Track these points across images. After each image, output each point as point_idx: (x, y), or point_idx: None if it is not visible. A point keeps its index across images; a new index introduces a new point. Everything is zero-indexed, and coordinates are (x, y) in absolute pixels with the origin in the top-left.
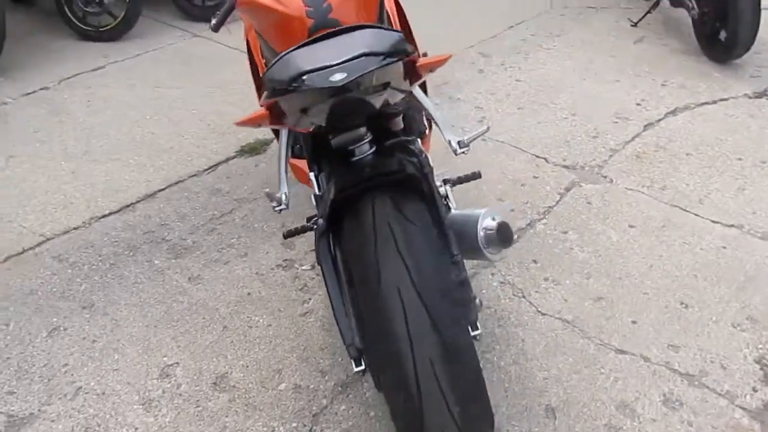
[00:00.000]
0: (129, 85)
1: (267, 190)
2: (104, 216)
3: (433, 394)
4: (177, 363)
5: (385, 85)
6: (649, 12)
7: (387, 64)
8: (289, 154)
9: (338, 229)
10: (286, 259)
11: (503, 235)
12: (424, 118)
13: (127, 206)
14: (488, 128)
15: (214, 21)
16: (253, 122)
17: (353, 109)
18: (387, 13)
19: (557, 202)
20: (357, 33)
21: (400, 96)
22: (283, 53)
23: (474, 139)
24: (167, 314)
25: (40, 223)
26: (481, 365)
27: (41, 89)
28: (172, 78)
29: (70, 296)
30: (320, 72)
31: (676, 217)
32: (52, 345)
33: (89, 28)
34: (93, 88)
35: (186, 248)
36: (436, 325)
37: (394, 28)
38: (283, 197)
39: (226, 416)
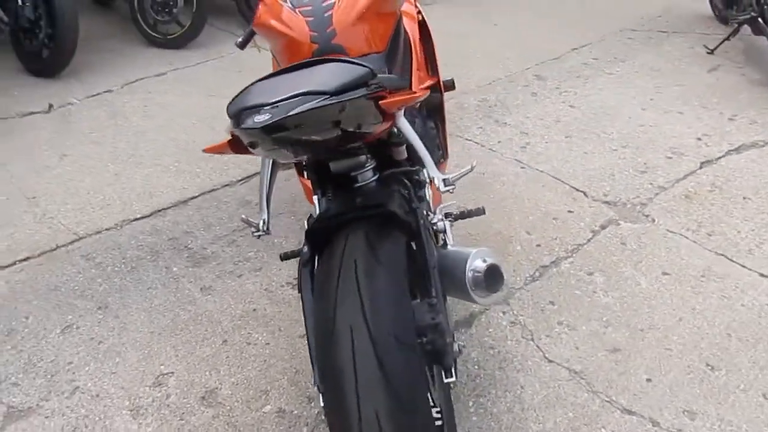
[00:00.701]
0: (185, 93)
1: (244, 216)
2: (136, 219)
3: None
4: (172, 373)
5: (336, 123)
6: (727, 39)
7: (331, 104)
8: (271, 179)
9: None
10: (296, 278)
11: (491, 279)
12: (439, 145)
13: (159, 211)
14: (472, 168)
15: (240, 39)
16: (219, 150)
17: (303, 147)
18: (408, 39)
19: (588, 240)
20: (319, 67)
21: (378, 128)
22: (252, 83)
23: (459, 177)
24: (173, 323)
25: (76, 221)
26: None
27: (105, 92)
28: (226, 86)
29: (89, 296)
30: (252, 111)
31: (719, 267)
32: (63, 342)
33: (158, 36)
34: (152, 94)
35: (205, 257)
36: (386, 371)
37: (415, 54)
38: (261, 223)
39: None
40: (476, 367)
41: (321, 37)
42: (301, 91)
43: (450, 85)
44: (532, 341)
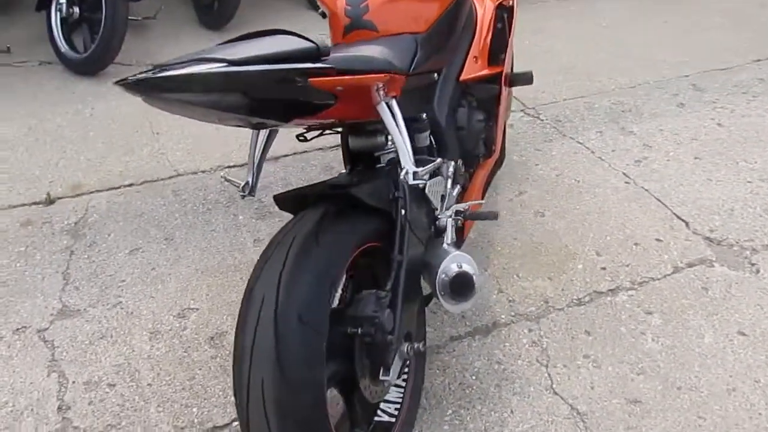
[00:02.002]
0: None
1: (223, 174)
2: (229, 167)
3: (257, 417)
4: (197, 309)
5: (237, 92)
6: None
7: (212, 72)
8: (265, 146)
9: None
10: None
11: (459, 287)
12: (484, 140)
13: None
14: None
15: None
16: None
17: (198, 109)
18: (473, 23)
19: (664, 276)
20: (263, 38)
21: (330, 107)
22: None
23: (426, 172)
24: (218, 265)
25: (180, 160)
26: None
27: None
28: None
29: (163, 226)
30: (159, 68)
31: None
32: (126, 261)
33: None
34: None
35: (270, 213)
36: (280, 344)
37: (478, 40)
38: (244, 185)
39: (200, 369)
40: (473, 377)
41: (354, 11)
42: (202, 56)
43: (522, 80)
44: (545, 367)
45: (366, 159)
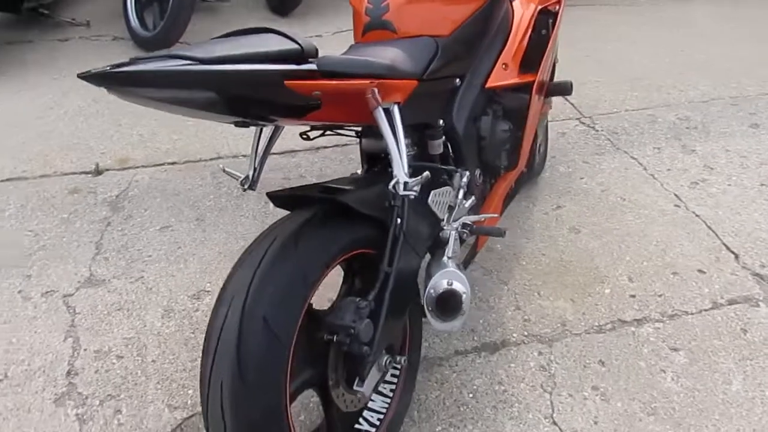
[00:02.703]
0: None
1: (221, 165)
2: (272, 154)
3: (215, 416)
4: (210, 292)
5: (208, 89)
6: None
7: (175, 70)
8: (270, 140)
9: None
10: None
11: (444, 304)
12: (507, 152)
13: (291, 152)
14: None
15: None
16: None
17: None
18: (506, 28)
19: (700, 311)
20: (247, 36)
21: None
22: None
23: (417, 184)
24: (240, 250)
25: (223, 144)
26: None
27: (315, 36)
28: None
29: (196, 207)
30: (132, 61)
31: None
32: (155, 237)
33: None
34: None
35: None
36: (242, 347)
37: (511, 45)
38: (244, 178)
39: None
40: (470, 395)
41: (374, 11)
42: (173, 53)
43: (559, 90)
44: (549, 394)
45: (380, 161)
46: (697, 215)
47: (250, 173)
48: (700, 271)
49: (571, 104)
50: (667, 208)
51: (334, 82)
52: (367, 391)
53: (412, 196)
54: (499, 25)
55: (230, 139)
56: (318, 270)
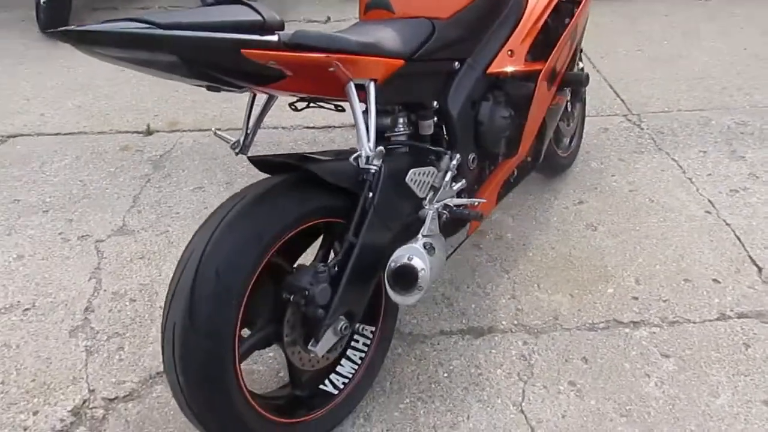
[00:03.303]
0: None
1: (214, 129)
2: (308, 127)
3: (168, 356)
4: None
5: (166, 52)
6: None
7: (130, 32)
8: (265, 106)
9: None
10: None
11: (400, 278)
12: (506, 139)
13: (329, 127)
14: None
15: None
16: None
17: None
18: (518, 13)
19: (703, 322)
20: (218, 7)
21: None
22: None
23: (376, 156)
24: None
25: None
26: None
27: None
28: None
29: (229, 171)
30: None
31: None
32: (186, 197)
33: None
34: None
35: None
36: (194, 294)
37: (519, 32)
38: (236, 142)
39: None
40: (445, 374)
41: None
42: (136, 17)
43: (573, 81)
44: (523, 383)
45: (382, 138)
46: (727, 224)
47: (242, 138)
48: (714, 280)
49: (621, 100)
50: (696, 213)
51: (290, 53)
52: (320, 351)
53: (373, 170)
54: (509, 11)
55: (273, 111)
56: (275, 231)
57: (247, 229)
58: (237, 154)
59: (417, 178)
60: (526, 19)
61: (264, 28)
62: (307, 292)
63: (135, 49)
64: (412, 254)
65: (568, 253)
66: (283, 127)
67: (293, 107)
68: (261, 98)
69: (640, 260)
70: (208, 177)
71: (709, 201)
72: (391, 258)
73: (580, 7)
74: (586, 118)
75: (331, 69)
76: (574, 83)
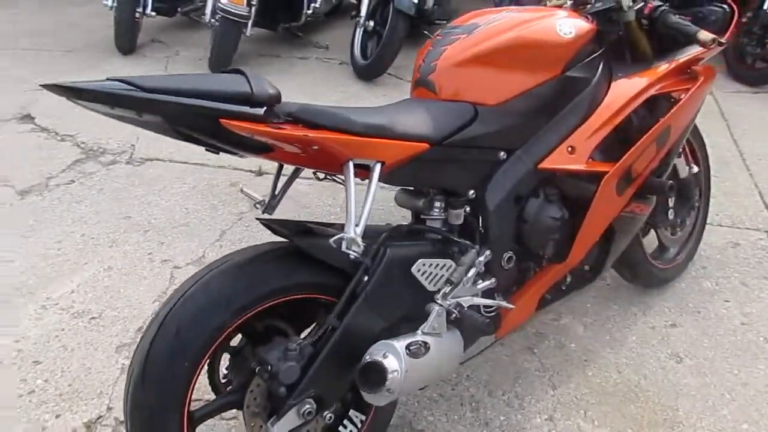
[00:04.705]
0: None
1: (242, 187)
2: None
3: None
4: None
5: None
6: None
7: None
8: (295, 172)
9: None
10: None
11: (367, 374)
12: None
13: None
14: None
15: None
16: None
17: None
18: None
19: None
20: (216, 75)
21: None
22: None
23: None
24: None
25: None
26: None
27: None
28: None
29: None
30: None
31: None
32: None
33: None
34: None
35: None
36: (150, 351)
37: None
38: (261, 202)
39: None
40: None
41: (424, 68)
42: (124, 78)
43: (652, 188)
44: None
45: (417, 219)
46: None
47: (267, 198)
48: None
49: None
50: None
51: (268, 128)
52: (277, 431)
53: (352, 256)
54: (577, 104)
55: None
56: (248, 300)
57: (219, 292)
58: (263, 212)
59: (427, 269)
60: (598, 114)
61: (250, 100)
62: (271, 367)
63: (120, 107)
64: (388, 352)
65: (636, 383)
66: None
67: (316, 176)
68: None
69: (725, 413)
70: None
71: None
72: (369, 350)
73: (677, 106)
74: (717, 228)
75: (315, 147)
76: (653, 191)
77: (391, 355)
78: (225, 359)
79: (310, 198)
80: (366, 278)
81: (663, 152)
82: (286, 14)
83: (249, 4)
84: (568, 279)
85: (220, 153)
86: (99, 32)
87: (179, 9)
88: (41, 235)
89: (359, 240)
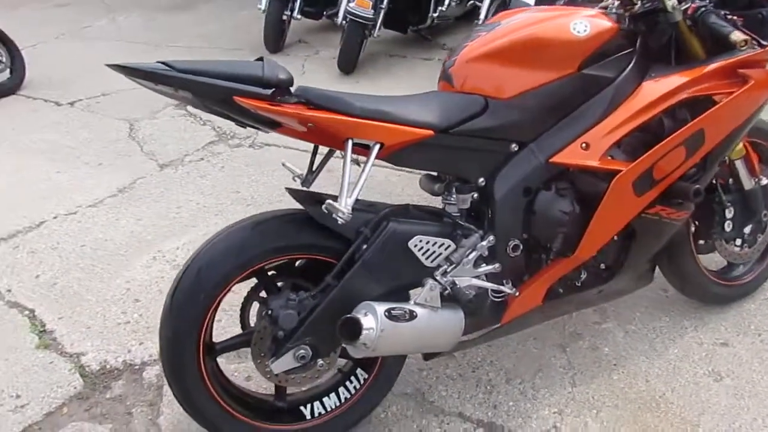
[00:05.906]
0: None
1: (284, 161)
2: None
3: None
4: None
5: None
6: None
7: (149, 71)
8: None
9: None
10: None
11: (346, 327)
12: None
13: None
14: None
15: None
16: None
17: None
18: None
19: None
20: (232, 60)
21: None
22: None
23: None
24: None
25: None
26: None
27: None
28: None
29: None
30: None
31: None
32: None
33: None
34: None
35: None
36: (178, 286)
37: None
38: (300, 176)
39: None
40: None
41: (448, 63)
42: (165, 61)
43: (676, 192)
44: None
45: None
46: None
47: (304, 173)
48: None
49: None
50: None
51: (271, 105)
52: (276, 369)
53: (340, 222)
54: (597, 101)
55: None
56: (256, 252)
57: (235, 243)
58: (301, 185)
59: (424, 245)
60: (619, 112)
61: (261, 81)
62: (272, 312)
63: (160, 84)
64: (368, 312)
65: (662, 393)
66: None
67: None
68: None
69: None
70: None
71: None
72: (356, 307)
73: (713, 109)
74: None
75: (310, 125)
76: (675, 195)
77: (370, 315)
78: (254, 307)
79: (394, 186)
80: (365, 246)
81: (696, 157)
82: (414, 17)
83: (376, 8)
84: (583, 275)
85: (247, 127)
86: (256, 34)
87: (325, 12)
88: (167, 201)
89: (344, 208)
